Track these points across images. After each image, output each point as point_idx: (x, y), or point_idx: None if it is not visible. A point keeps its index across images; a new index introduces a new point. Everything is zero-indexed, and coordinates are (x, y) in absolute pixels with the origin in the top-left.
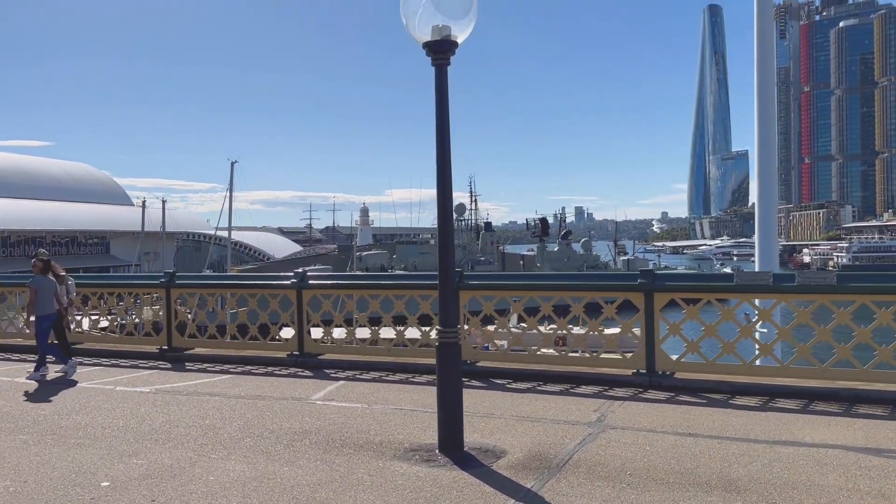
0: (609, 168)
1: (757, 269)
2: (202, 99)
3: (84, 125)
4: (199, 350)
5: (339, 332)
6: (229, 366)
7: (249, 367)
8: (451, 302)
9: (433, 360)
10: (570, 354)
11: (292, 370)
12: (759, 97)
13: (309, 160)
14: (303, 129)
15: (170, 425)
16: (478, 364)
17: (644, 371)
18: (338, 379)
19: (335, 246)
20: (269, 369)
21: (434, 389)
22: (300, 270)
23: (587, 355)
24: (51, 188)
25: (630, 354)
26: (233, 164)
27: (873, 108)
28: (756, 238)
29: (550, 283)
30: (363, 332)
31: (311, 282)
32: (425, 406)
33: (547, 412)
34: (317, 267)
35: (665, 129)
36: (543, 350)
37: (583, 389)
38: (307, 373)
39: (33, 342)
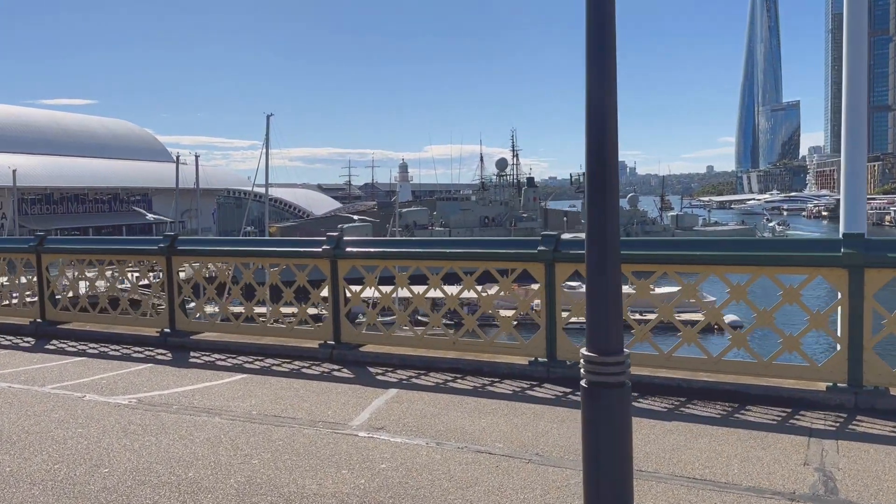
0: (653, 121)
1: (843, 231)
2: (244, 57)
3: (128, 84)
4: (208, 335)
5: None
6: (245, 358)
7: (271, 363)
8: (612, 306)
9: (518, 359)
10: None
11: (326, 367)
12: (848, 38)
13: (348, 117)
14: (342, 85)
15: (132, 479)
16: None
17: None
18: (387, 385)
19: (374, 203)
20: (297, 365)
21: (528, 409)
22: (334, 234)
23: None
24: (92, 145)
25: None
26: (268, 117)
27: None
28: (842, 195)
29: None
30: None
31: (349, 249)
32: (524, 447)
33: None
34: (355, 224)
35: (712, 81)
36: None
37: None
38: (346, 372)
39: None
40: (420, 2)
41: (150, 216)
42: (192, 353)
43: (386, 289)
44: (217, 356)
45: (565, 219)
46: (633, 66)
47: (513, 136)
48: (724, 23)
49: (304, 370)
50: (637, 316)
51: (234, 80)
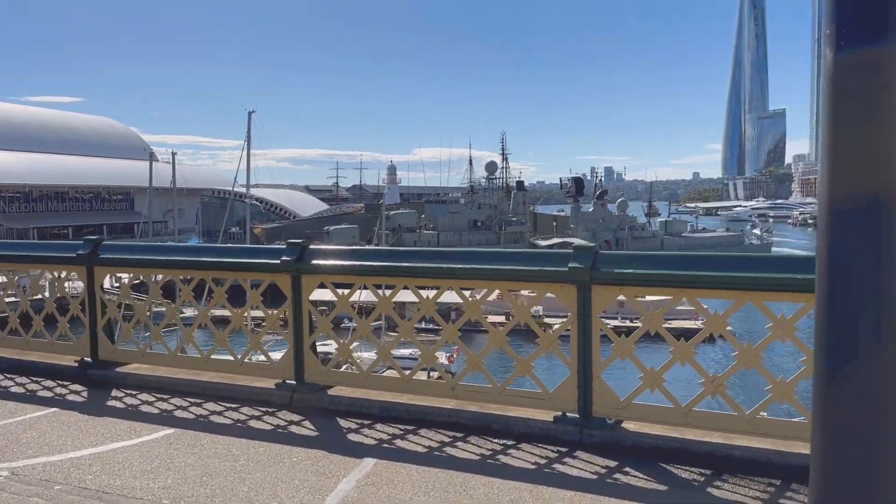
0: (640, 128)
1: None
2: (234, 57)
3: (116, 81)
4: (139, 367)
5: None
6: (179, 401)
7: (211, 409)
8: None
9: (539, 413)
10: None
11: (283, 418)
12: None
13: (337, 118)
14: (331, 86)
15: None
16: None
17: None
18: (362, 451)
19: (362, 204)
20: (244, 414)
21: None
22: (297, 242)
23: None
24: (74, 143)
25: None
26: (250, 113)
27: None
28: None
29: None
30: (403, 352)
31: (318, 261)
32: None
33: None
34: (341, 226)
35: (699, 88)
36: None
37: None
38: (307, 427)
39: None
40: (410, 3)
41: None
42: (114, 392)
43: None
44: (145, 397)
45: (555, 223)
46: (621, 72)
47: (502, 139)
48: (711, 31)
49: (252, 423)
50: (627, 323)
51: (224, 79)
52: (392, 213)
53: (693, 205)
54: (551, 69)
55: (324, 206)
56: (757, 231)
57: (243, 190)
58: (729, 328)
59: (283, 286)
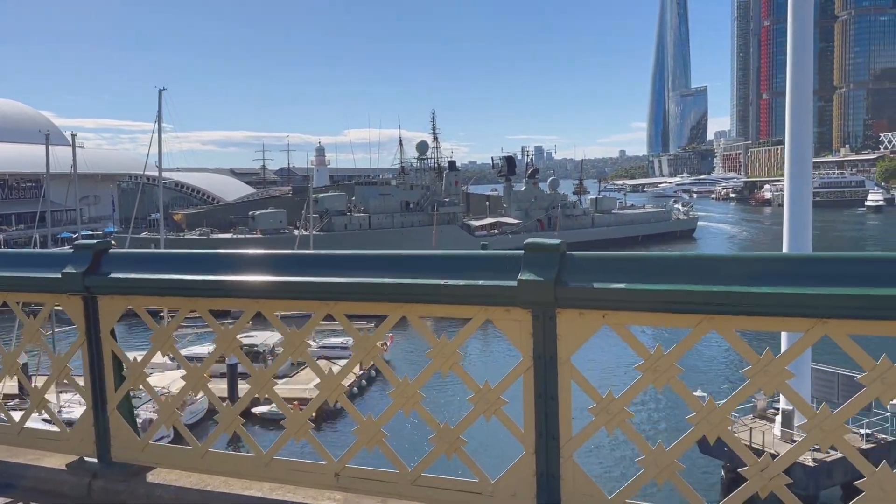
0: (569, 108)
1: (788, 229)
2: (155, 38)
3: (27, 64)
4: None
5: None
6: None
7: None
8: None
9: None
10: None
11: None
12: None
13: (264, 100)
14: (257, 66)
15: None
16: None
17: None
18: None
19: (289, 188)
20: None
21: None
22: (89, 243)
23: None
24: None
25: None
26: (160, 91)
27: (832, 42)
28: (786, 185)
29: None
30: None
31: (122, 275)
32: None
33: None
34: (268, 211)
35: (624, 67)
36: None
37: None
38: None
39: None
40: None
41: (56, 204)
42: None
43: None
44: None
45: (487, 203)
46: (549, 53)
47: (433, 119)
48: (636, 10)
49: None
50: None
51: (144, 61)
52: (321, 196)
53: (621, 182)
54: (481, 50)
55: (250, 190)
56: (679, 206)
57: (167, 175)
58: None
59: (71, 312)
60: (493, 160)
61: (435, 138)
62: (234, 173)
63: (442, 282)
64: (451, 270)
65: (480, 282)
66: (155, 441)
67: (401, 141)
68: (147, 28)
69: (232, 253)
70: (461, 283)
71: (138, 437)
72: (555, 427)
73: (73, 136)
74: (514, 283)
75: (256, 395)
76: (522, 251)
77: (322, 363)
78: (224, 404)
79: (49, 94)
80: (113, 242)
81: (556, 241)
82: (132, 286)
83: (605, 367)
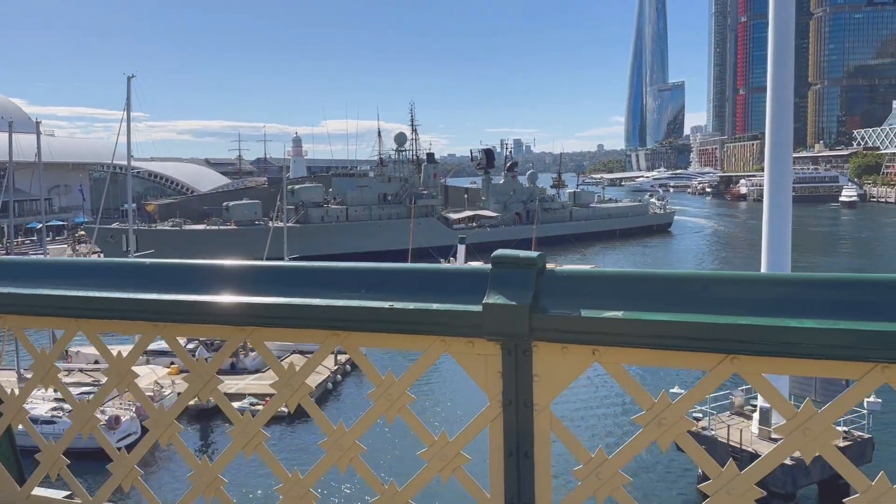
0: (547, 101)
1: (767, 228)
2: (129, 25)
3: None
4: None
5: None
6: None
7: None
8: None
9: None
10: None
11: None
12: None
13: (241, 89)
14: (234, 55)
15: None
16: None
17: None
18: None
19: (265, 178)
20: None
21: None
22: None
23: None
24: None
25: None
26: (129, 78)
27: (807, 39)
28: (766, 180)
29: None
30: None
31: None
32: None
33: None
34: (242, 202)
35: (603, 62)
36: None
37: None
38: None
39: None
40: None
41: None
42: None
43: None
44: None
45: (466, 196)
46: (528, 46)
47: (411, 110)
48: (614, 4)
49: None
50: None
51: (120, 49)
52: (297, 187)
53: (598, 176)
54: (460, 43)
55: (225, 181)
56: (654, 200)
57: (141, 165)
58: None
59: None
60: (471, 153)
61: (413, 130)
62: (210, 163)
63: (387, 304)
64: (399, 289)
65: (436, 305)
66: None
67: (379, 132)
68: (122, 16)
69: (125, 263)
70: (411, 306)
71: (18, 486)
72: (529, 493)
73: (38, 122)
74: (479, 308)
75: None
76: (489, 266)
77: (296, 358)
78: (118, 453)
79: (21, 81)
80: None
81: (533, 255)
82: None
83: (588, 405)
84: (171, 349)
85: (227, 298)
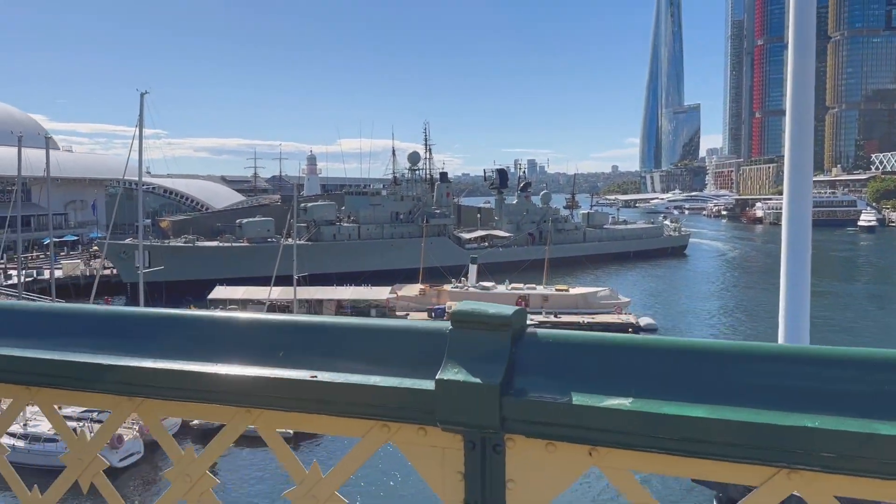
0: (562, 122)
1: (786, 248)
2: (149, 44)
3: (21, 68)
4: None
5: None
6: None
7: None
8: None
9: None
10: None
11: None
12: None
13: (257, 108)
14: (253, 74)
15: None
16: None
17: None
18: None
19: (279, 196)
20: None
21: None
22: None
23: None
24: None
25: None
26: (142, 95)
27: (825, 62)
28: (785, 203)
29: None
30: None
31: None
32: None
33: None
34: (255, 219)
35: (618, 83)
36: None
37: None
38: None
39: None
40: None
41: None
42: None
43: None
44: None
45: (479, 215)
46: (544, 67)
47: (425, 130)
48: (630, 27)
49: None
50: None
51: (140, 66)
52: (310, 205)
53: (613, 197)
54: (476, 63)
55: (239, 198)
56: (668, 223)
57: (156, 181)
58: None
59: None
60: (485, 172)
61: (427, 149)
62: (225, 180)
63: (308, 375)
64: (328, 353)
65: (374, 379)
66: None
67: (394, 151)
68: (143, 34)
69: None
70: (340, 378)
71: None
72: None
73: (48, 137)
74: (431, 386)
75: None
76: (450, 325)
77: None
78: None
79: (43, 97)
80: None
81: (508, 311)
82: None
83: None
84: (51, 423)
85: (109, 360)
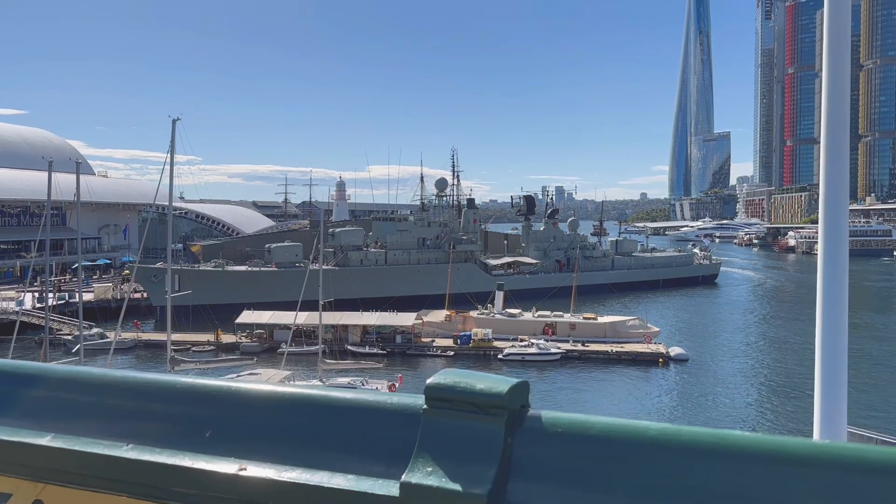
0: (590, 149)
1: (822, 279)
2: (182, 71)
3: (62, 95)
4: None
5: None
6: None
7: None
8: None
9: None
10: None
11: None
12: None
13: (290, 134)
14: (285, 102)
15: None
16: None
17: None
18: None
19: (307, 221)
20: None
21: None
22: None
23: None
24: (4, 155)
25: None
26: (174, 121)
27: (858, 91)
28: (820, 232)
29: None
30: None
31: None
32: None
33: None
34: (284, 244)
35: (647, 110)
36: None
37: None
38: None
39: None
40: (359, 22)
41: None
42: None
43: None
44: None
45: (506, 242)
46: (572, 94)
47: (453, 156)
48: (659, 54)
49: None
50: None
51: (173, 95)
52: (337, 230)
53: (641, 224)
54: (504, 91)
55: (269, 223)
56: (697, 251)
57: (188, 206)
58: None
59: None
60: (512, 199)
61: (455, 175)
62: (257, 206)
63: (236, 467)
64: (264, 436)
65: (320, 475)
66: None
67: (422, 177)
68: (178, 60)
69: None
70: (273, 473)
71: None
72: None
73: (78, 163)
74: (395, 490)
75: None
76: (422, 402)
77: None
78: None
79: (81, 124)
80: None
81: (502, 385)
82: None
83: None
84: None
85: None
